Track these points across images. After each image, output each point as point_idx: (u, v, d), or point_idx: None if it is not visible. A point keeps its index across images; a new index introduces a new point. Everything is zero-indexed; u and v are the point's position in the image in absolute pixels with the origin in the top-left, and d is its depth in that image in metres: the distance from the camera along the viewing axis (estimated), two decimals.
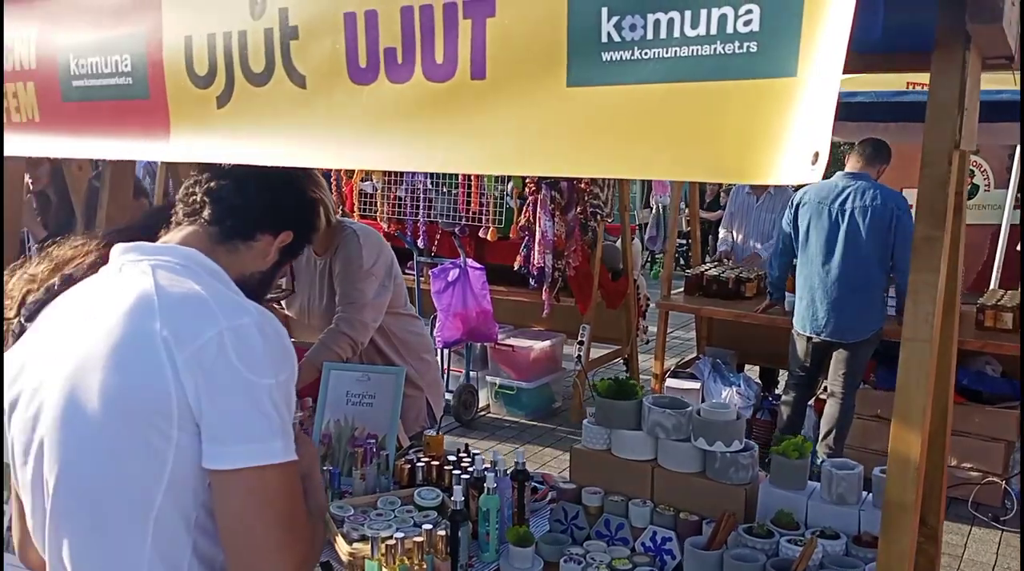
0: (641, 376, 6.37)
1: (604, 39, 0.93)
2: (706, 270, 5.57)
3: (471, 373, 5.85)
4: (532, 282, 5.55)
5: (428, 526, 2.03)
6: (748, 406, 5.16)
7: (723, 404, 2.15)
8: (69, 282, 1.31)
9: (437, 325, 5.55)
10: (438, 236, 6.01)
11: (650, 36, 0.90)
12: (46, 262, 1.41)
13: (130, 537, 1.09)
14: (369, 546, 1.97)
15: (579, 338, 5.74)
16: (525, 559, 2.07)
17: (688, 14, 0.87)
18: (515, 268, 5.57)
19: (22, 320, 1.40)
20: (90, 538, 1.11)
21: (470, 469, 2.31)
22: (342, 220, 2.88)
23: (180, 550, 1.11)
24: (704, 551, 1.90)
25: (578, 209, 5.47)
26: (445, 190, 6.06)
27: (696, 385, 5.37)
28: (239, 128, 1.29)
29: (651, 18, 0.89)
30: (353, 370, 2.68)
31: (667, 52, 0.89)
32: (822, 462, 2.52)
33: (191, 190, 1.35)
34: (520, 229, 5.62)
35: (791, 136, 0.82)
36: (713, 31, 0.86)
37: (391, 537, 1.98)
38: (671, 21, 0.88)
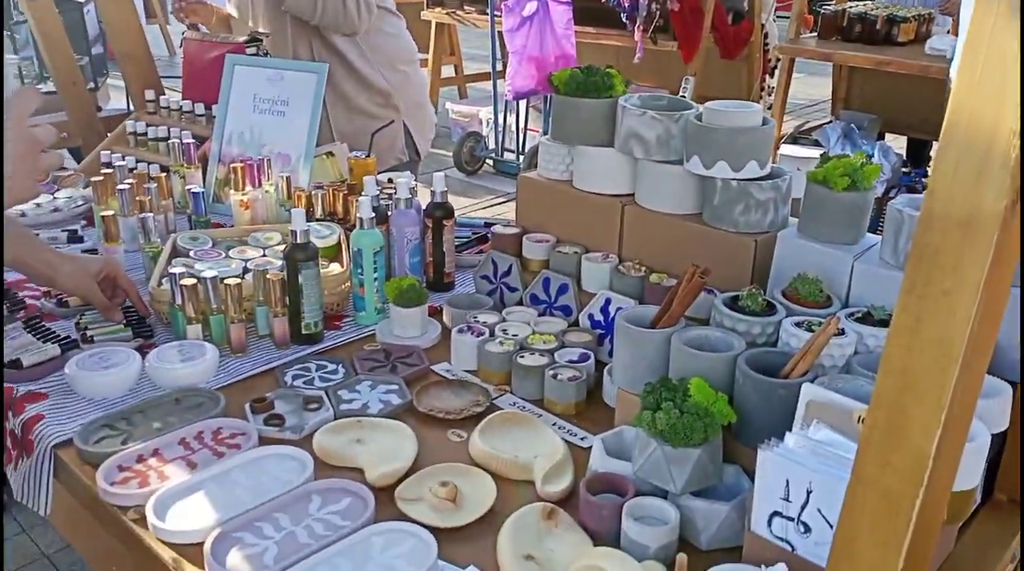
0: None
1: None
2: (849, 7, 4.31)
3: None
4: (624, 19, 4.54)
5: (264, 267, 1.39)
6: (881, 181, 4.11)
7: (744, 104, 1.30)
8: None
9: (509, 71, 4.70)
10: None
11: None
12: None
13: None
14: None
15: (679, 93, 4.73)
16: (409, 324, 1.39)
17: None
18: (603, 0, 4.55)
19: None
20: None
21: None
22: None
23: None
24: (645, 329, 1.14)
25: None
26: None
27: (815, 154, 4.32)
28: None
29: None
30: (262, 66, 1.97)
31: None
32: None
33: None
34: None
35: None
36: None
37: (202, 278, 1.35)
38: None
